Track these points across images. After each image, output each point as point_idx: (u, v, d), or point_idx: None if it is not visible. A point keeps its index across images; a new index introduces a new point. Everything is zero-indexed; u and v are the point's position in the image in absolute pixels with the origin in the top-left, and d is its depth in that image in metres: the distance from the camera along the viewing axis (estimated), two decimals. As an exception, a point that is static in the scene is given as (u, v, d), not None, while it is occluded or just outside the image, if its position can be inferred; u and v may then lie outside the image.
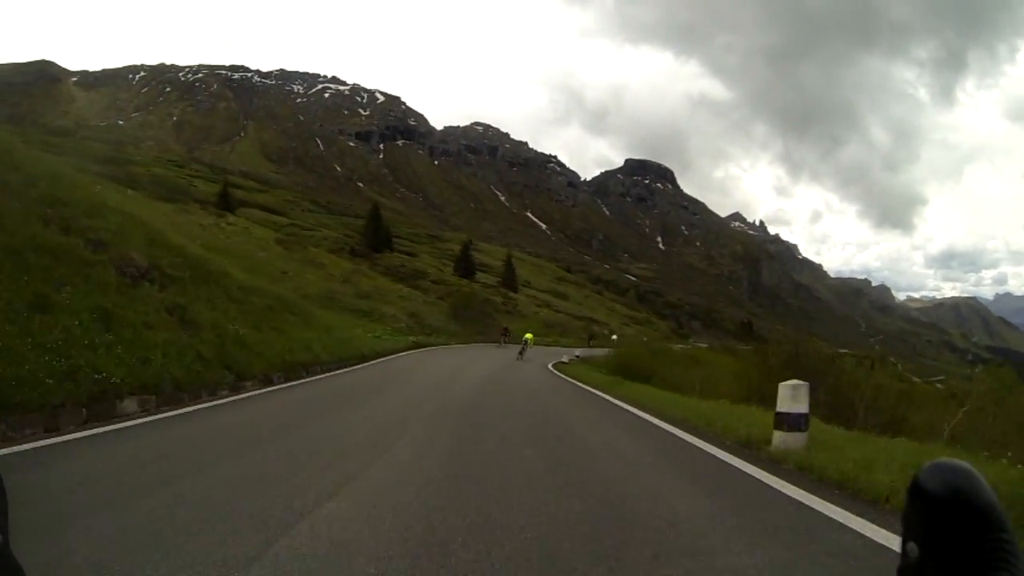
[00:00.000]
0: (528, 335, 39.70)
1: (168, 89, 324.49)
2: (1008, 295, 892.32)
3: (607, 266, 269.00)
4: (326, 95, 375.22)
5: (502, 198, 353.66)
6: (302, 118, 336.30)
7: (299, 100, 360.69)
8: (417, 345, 30.52)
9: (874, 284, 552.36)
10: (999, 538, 0.63)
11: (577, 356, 28.22)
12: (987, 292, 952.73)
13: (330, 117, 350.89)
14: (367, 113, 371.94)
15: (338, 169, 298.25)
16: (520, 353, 35.15)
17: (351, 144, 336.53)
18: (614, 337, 61.91)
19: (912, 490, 0.69)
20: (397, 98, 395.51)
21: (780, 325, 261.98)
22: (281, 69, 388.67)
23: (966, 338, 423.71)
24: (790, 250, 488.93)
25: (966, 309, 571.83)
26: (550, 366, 26.18)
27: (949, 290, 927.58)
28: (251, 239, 36.67)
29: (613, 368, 25.62)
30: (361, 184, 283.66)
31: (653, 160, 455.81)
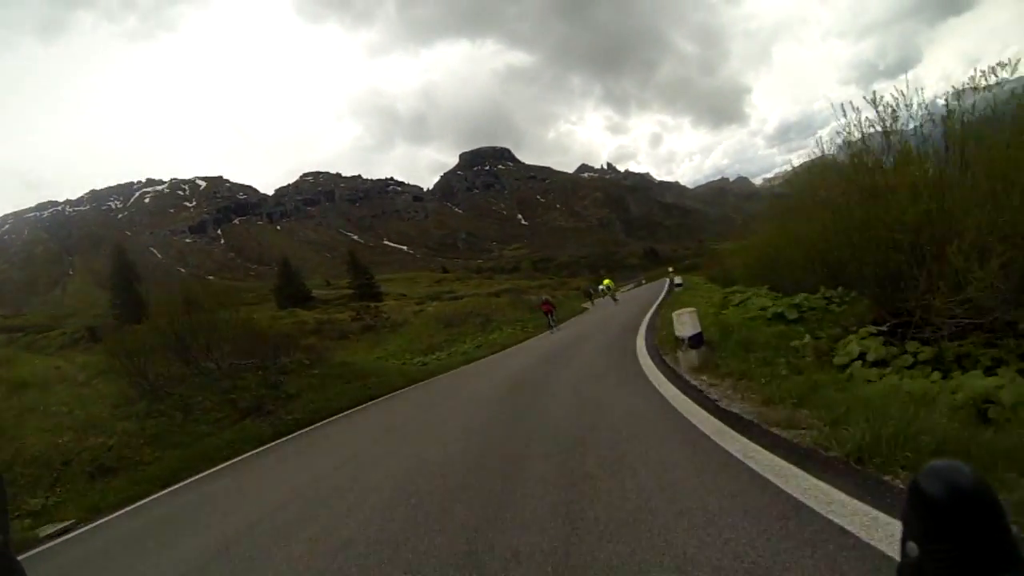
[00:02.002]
0: (607, 281, 44.46)
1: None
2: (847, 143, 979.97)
3: (480, 260, 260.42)
4: (146, 200, 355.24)
5: (355, 237, 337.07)
6: (129, 233, 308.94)
7: (120, 216, 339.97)
8: None
9: (732, 180, 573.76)
10: (999, 538, 0.64)
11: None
12: (829, 148, 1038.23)
13: (157, 221, 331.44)
14: (194, 204, 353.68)
15: (182, 271, 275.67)
16: (614, 299, 39.12)
17: (188, 241, 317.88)
18: (603, 286, 48.60)
19: (912, 490, 0.69)
20: (219, 178, 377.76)
21: (672, 244, 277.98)
22: (91, 191, 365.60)
23: (830, 191, 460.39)
24: (645, 179, 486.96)
25: (818, 168, 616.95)
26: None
27: (797, 159, 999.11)
28: None
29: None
30: (211, 277, 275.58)
31: (487, 146, 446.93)
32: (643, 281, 79.70)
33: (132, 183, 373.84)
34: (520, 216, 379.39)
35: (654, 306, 23.82)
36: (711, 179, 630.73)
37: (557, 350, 15.86)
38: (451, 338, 30.96)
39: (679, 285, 24.53)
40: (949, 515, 0.64)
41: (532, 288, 67.55)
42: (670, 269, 60.08)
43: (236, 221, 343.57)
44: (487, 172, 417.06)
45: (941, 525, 0.65)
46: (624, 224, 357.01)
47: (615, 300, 38.57)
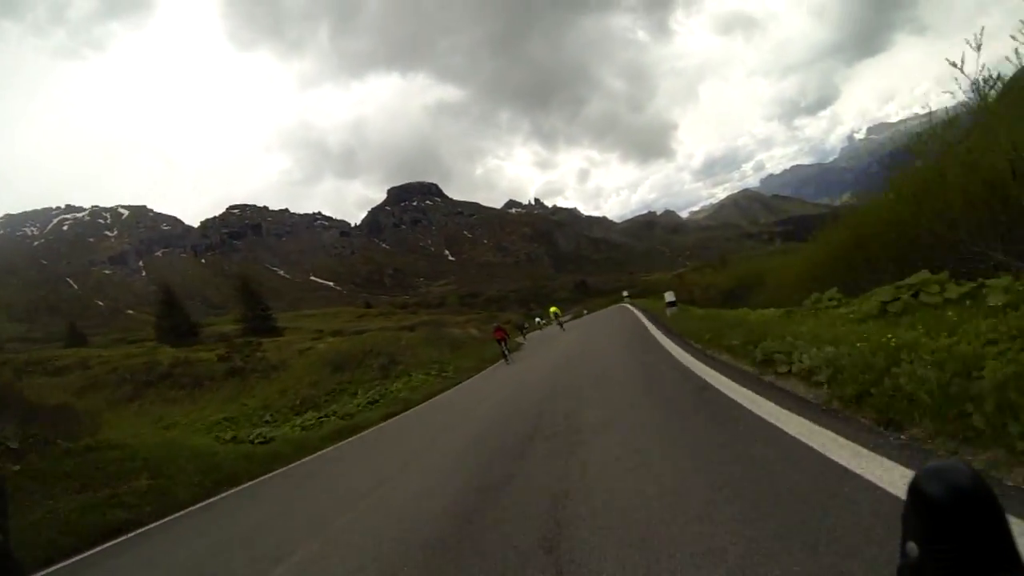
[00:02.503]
0: (553, 308, 44.98)
1: None
2: (771, 176, 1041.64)
3: (406, 296, 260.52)
4: (64, 228, 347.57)
5: (281, 272, 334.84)
6: (45, 262, 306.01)
7: (36, 243, 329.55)
8: None
9: (659, 214, 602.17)
10: (999, 538, 0.65)
11: None
12: (753, 181, 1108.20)
13: (76, 250, 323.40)
14: (115, 233, 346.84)
15: (100, 304, 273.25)
16: (561, 326, 39.50)
17: (107, 272, 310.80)
18: (551, 313, 46.11)
19: (911, 490, 0.69)
20: (143, 207, 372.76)
21: (602, 277, 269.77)
22: (6, 215, 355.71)
23: (755, 223, 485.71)
24: (573, 214, 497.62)
25: (743, 201, 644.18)
26: None
27: (722, 192, 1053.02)
28: None
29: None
30: (131, 311, 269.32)
31: (415, 181, 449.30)
32: (585, 312, 71.28)
33: (50, 209, 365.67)
34: (447, 252, 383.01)
35: (653, 332, 14.74)
36: (638, 213, 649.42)
37: (527, 421, 7.58)
38: (339, 387, 23.76)
39: (672, 304, 18.14)
40: (949, 515, 0.65)
41: (458, 322, 54.78)
42: (625, 294, 55.33)
43: (159, 253, 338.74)
44: (415, 208, 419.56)
45: (941, 525, 0.66)
46: (552, 259, 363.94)
47: (562, 327, 39.61)
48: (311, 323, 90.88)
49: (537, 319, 59.58)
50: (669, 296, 18.90)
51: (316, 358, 31.00)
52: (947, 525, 0.65)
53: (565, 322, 46.63)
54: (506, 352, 23.26)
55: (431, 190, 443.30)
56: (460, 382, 19.65)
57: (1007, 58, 6.96)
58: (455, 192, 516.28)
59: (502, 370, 19.53)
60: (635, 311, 29.18)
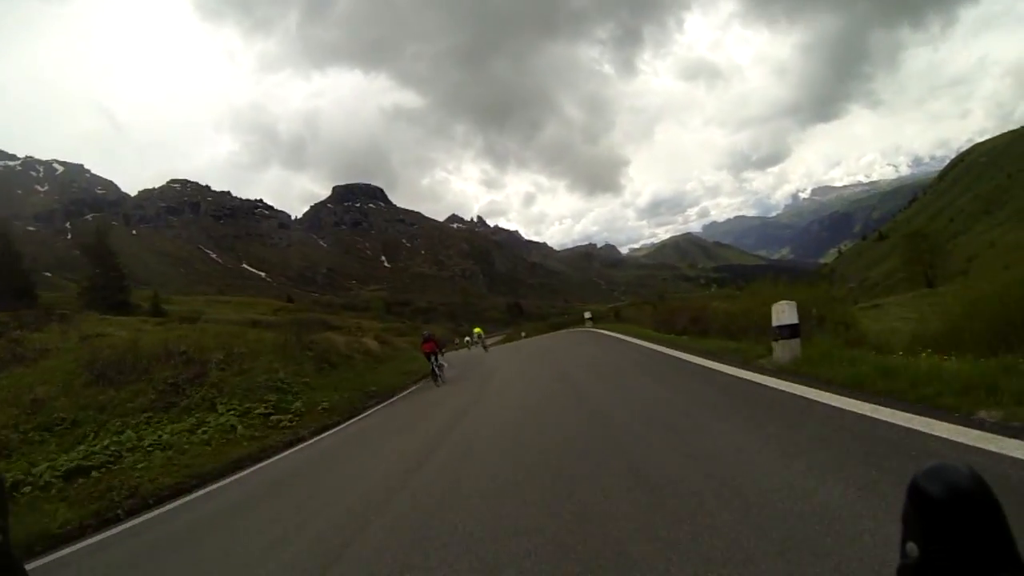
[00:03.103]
0: (477, 328, 44.22)
1: None
2: (713, 223, 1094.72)
3: (333, 296, 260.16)
4: None
5: (213, 255, 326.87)
6: None
7: None
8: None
9: (599, 247, 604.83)
10: (998, 538, 0.65)
11: None
12: (696, 226, 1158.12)
13: (1, 200, 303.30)
14: (45, 189, 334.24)
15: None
16: (484, 348, 38.26)
17: (30, 229, 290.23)
18: (472, 340, 46.54)
19: (912, 490, 0.70)
20: (80, 166, 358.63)
21: (536, 302, 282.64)
22: None
23: (693, 267, 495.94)
24: (513, 236, 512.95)
25: (684, 243, 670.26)
26: None
27: (664, 233, 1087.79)
28: None
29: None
30: (48, 273, 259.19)
31: (361, 182, 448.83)
32: (523, 334, 61.08)
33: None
34: (384, 258, 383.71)
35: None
36: (579, 244, 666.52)
37: None
38: (76, 416, 13.00)
39: (792, 332, 7.79)
40: (949, 515, 0.66)
41: (367, 330, 45.10)
42: (587, 315, 44.90)
43: (89, 217, 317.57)
44: (357, 209, 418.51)
45: (941, 525, 0.66)
46: (488, 278, 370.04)
47: (486, 349, 38.33)
48: (221, 311, 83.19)
49: (467, 338, 54.02)
50: (786, 314, 8.07)
51: (83, 355, 17.28)
52: (947, 525, 0.66)
53: (491, 345, 43.79)
54: (436, 369, 18.29)
55: (376, 194, 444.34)
56: (297, 441, 11.92)
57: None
58: (400, 199, 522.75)
59: (417, 411, 13.35)
60: (633, 340, 17.64)
